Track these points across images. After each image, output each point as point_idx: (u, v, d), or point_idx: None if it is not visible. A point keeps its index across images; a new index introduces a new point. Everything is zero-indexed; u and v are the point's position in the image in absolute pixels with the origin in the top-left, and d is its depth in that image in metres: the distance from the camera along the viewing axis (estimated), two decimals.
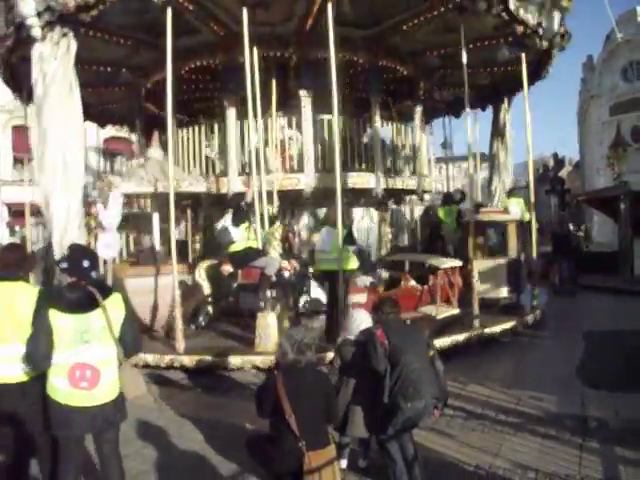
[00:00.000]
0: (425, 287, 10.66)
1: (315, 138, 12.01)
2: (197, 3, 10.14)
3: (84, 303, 3.90)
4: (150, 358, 8.41)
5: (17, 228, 18.84)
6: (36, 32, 8.99)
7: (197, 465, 5.32)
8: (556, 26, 10.69)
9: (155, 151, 11.18)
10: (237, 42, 10.42)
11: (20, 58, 10.67)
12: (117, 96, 15.04)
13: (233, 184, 11.57)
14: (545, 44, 10.81)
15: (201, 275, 10.03)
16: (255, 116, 9.89)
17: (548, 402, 6.76)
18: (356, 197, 12.85)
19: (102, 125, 18.07)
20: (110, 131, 19.65)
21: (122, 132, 19.73)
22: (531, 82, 12.63)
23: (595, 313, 12.69)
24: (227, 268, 9.22)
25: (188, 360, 8.43)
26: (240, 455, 4.90)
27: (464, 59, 10.09)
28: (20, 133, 23.15)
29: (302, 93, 11.98)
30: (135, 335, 4.15)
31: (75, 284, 4.00)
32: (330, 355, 6.88)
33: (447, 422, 6.04)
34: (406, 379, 4.37)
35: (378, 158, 12.60)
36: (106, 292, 4.01)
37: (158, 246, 10.60)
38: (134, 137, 17.41)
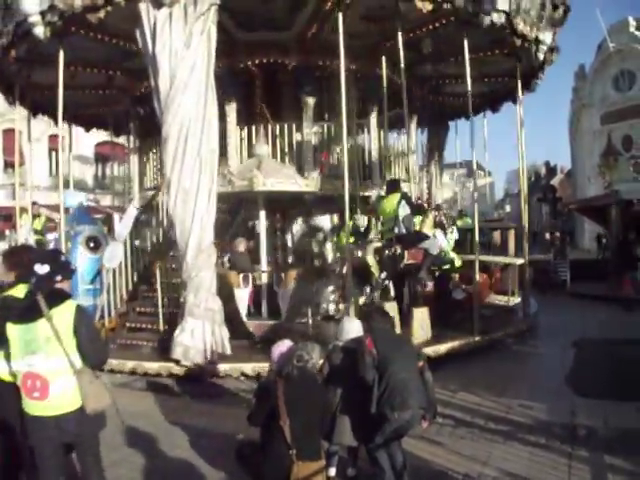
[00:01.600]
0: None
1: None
2: None
3: (29, 312, 3.77)
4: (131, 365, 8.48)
5: (7, 232, 18.69)
6: (38, 30, 8.92)
7: (186, 472, 5.29)
8: (549, 40, 10.82)
9: (261, 148, 11.21)
10: (237, 48, 10.52)
11: (14, 58, 10.58)
12: (110, 99, 15.00)
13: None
14: (541, 56, 10.94)
15: (370, 256, 10.23)
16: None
17: (538, 410, 6.75)
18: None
19: (88, 129, 17.94)
20: (101, 136, 19.57)
21: (114, 137, 19.64)
22: (521, 93, 12.74)
23: (585, 321, 12.71)
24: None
25: (177, 368, 8.38)
26: (229, 463, 4.89)
27: (467, 78, 10.27)
28: (9, 136, 23.06)
29: (305, 100, 12.05)
30: (97, 346, 3.95)
31: (28, 292, 3.89)
32: None
33: (436, 430, 6.02)
34: (394, 389, 4.35)
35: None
36: (57, 301, 3.83)
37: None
38: (127, 141, 17.41)
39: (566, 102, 48.76)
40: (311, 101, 12.10)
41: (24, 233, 12.79)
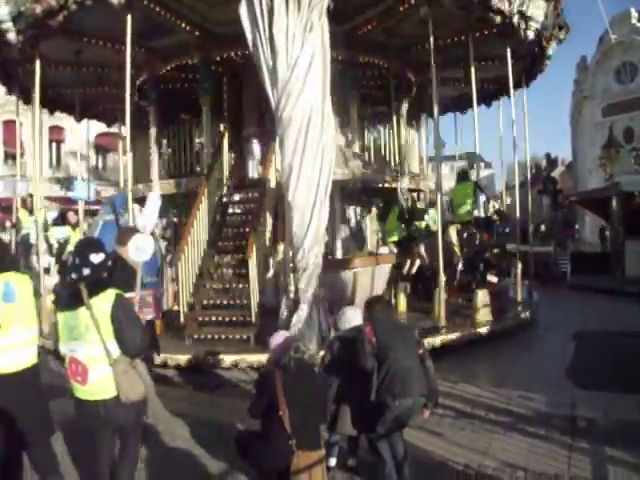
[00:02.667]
0: None
1: None
2: (162, 4, 10.10)
3: (71, 300, 3.94)
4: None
5: (7, 223, 18.65)
6: (12, 36, 9.07)
7: (186, 463, 5.30)
8: (541, 16, 10.25)
9: (339, 139, 11.10)
10: (213, 41, 10.46)
11: (4, 60, 10.71)
12: (110, 95, 14.96)
13: None
14: (531, 34, 10.28)
15: (452, 236, 10.98)
16: None
17: (538, 402, 6.76)
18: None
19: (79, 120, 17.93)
20: (101, 127, 19.51)
21: (114, 128, 19.57)
22: (527, 81, 12.56)
23: (586, 313, 12.71)
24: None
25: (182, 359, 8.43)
26: (229, 453, 4.90)
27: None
28: (10, 127, 22.96)
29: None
30: (132, 336, 3.96)
31: (70, 281, 4.03)
32: None
33: (437, 421, 6.02)
34: (393, 377, 4.36)
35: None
36: (98, 289, 3.94)
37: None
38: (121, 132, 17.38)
39: (567, 94, 48.66)
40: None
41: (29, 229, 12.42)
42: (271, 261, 10.50)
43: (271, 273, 10.34)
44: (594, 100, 34.60)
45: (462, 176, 11.22)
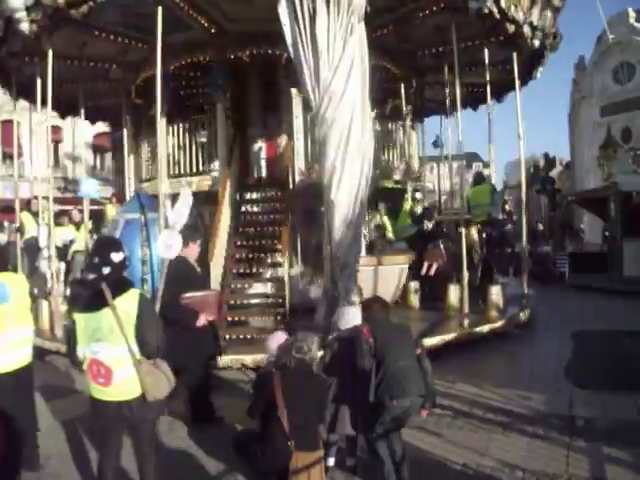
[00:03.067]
0: None
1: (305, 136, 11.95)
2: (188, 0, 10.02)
3: (94, 302, 3.90)
4: None
5: (5, 224, 18.58)
6: (24, 27, 8.95)
7: (185, 463, 5.31)
8: (548, 25, 10.64)
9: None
10: (228, 39, 10.36)
11: (9, 53, 10.59)
12: (107, 92, 14.92)
13: None
14: (537, 43, 10.71)
15: (474, 236, 11.79)
16: None
17: (536, 401, 6.77)
18: None
19: (92, 122, 17.98)
20: (99, 127, 19.47)
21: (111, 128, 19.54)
22: (522, 83, 12.67)
23: (584, 313, 12.72)
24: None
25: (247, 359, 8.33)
26: (228, 453, 4.89)
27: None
28: (8, 127, 22.92)
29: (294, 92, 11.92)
30: (154, 335, 3.98)
31: (91, 281, 4.04)
32: None
33: (435, 421, 6.03)
34: (392, 377, 4.37)
35: None
36: (121, 290, 3.95)
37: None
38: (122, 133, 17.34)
39: (565, 94, 48.71)
40: None
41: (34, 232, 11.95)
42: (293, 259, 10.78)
43: (298, 270, 10.55)
44: (592, 100, 34.60)
45: (478, 178, 12.11)
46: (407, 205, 13.16)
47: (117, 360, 3.86)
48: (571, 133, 40.34)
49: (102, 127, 19.69)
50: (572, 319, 11.96)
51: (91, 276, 4.03)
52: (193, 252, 6.70)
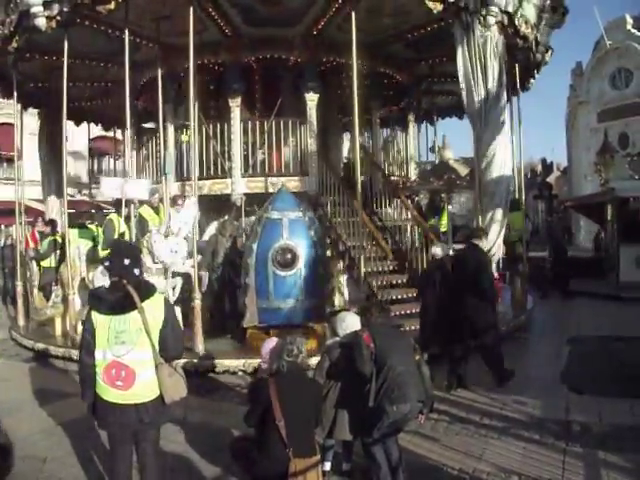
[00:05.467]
0: None
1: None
2: (215, 2, 10.12)
3: (121, 304, 3.91)
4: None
5: (2, 227, 18.56)
6: (40, 22, 8.88)
7: (181, 467, 5.29)
8: (546, 40, 10.95)
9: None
10: (242, 42, 10.74)
11: (16, 50, 10.48)
12: (107, 92, 14.92)
13: None
14: (539, 57, 11.02)
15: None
16: None
17: (532, 406, 6.78)
18: None
19: (78, 124, 17.88)
20: (97, 130, 19.42)
21: (109, 132, 19.50)
22: (514, 93, 12.79)
23: (580, 318, 12.74)
24: None
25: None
26: (225, 458, 4.90)
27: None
28: (6, 131, 22.86)
29: (308, 97, 12.02)
30: (176, 339, 4.09)
31: (116, 284, 4.01)
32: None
33: (431, 426, 6.04)
34: (392, 382, 4.38)
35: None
36: (147, 293, 4.01)
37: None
38: (124, 135, 17.30)
39: (563, 99, 48.80)
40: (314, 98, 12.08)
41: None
42: None
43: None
44: (589, 106, 34.70)
45: (514, 205, 12.35)
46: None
47: (142, 363, 3.90)
48: (568, 139, 40.46)
49: (99, 130, 19.60)
50: (568, 324, 11.97)
51: (118, 278, 4.01)
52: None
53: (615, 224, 17.31)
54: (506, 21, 9.60)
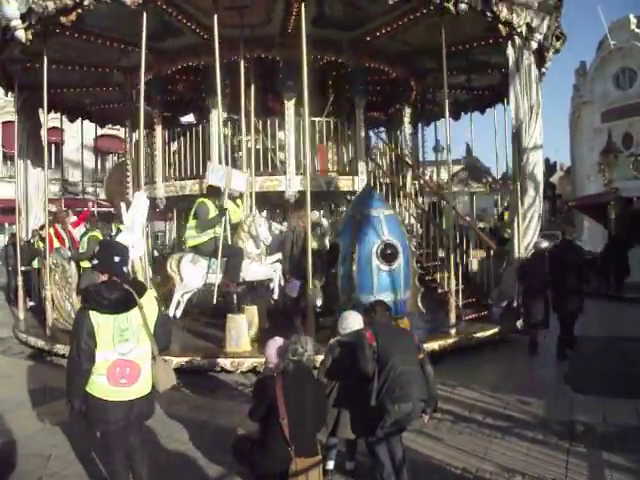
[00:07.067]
0: None
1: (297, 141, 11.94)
2: (174, 5, 10.02)
3: (123, 302, 3.98)
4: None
5: (6, 225, 18.59)
6: (20, 34, 9.12)
7: (183, 466, 5.30)
8: (545, 27, 10.58)
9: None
10: (220, 44, 10.46)
11: (9, 59, 10.71)
12: (112, 96, 14.99)
13: None
14: (534, 45, 10.65)
15: None
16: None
17: (536, 406, 6.77)
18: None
19: (102, 125, 18.23)
20: (102, 129, 19.47)
21: (114, 130, 19.53)
22: None
23: (585, 318, 12.69)
24: None
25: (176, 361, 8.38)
26: (226, 457, 4.89)
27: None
28: (10, 129, 22.92)
29: (285, 96, 11.95)
30: (166, 332, 4.29)
31: (109, 282, 4.04)
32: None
33: (435, 425, 6.02)
34: (394, 381, 4.37)
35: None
36: (141, 290, 4.13)
37: None
38: (125, 135, 17.33)
39: (566, 99, 48.69)
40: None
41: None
42: None
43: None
44: (593, 105, 34.65)
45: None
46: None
47: (144, 358, 4.04)
48: (572, 138, 40.37)
49: (105, 129, 19.63)
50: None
51: (105, 275, 4.06)
52: None
53: (619, 224, 17.29)
54: (481, 6, 9.54)
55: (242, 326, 8.68)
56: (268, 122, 12.05)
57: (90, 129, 18.23)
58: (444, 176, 19.34)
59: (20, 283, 12.19)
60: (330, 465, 4.93)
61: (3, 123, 29.32)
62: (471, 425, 6.23)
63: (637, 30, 31.98)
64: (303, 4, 8.92)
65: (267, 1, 10.03)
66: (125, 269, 4.21)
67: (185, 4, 10.05)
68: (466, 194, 16.18)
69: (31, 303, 13.35)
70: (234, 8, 9.57)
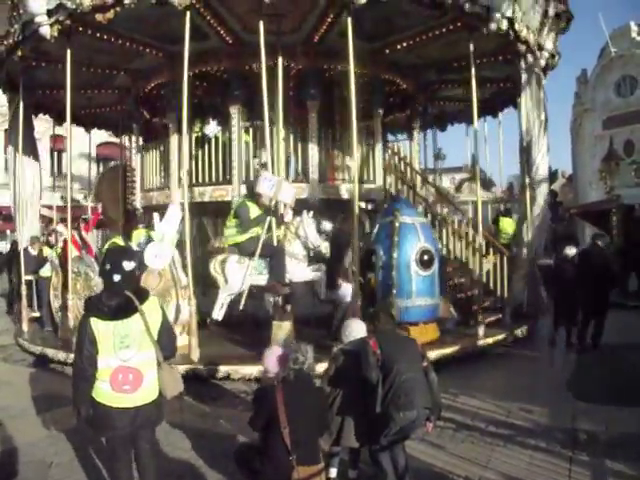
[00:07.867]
0: None
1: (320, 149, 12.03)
2: (211, 8, 9.99)
3: (124, 309, 3.98)
4: None
5: (8, 232, 18.59)
6: (45, 30, 8.93)
7: (185, 474, 5.30)
8: (551, 45, 10.96)
9: None
10: (243, 50, 10.65)
11: (20, 58, 10.50)
12: (110, 99, 14.96)
13: None
14: (543, 63, 11.07)
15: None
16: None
17: (538, 414, 6.75)
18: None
19: (88, 129, 17.82)
20: (103, 136, 19.50)
21: (115, 138, 19.55)
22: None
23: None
24: None
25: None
26: (228, 465, 4.89)
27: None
28: None
29: (309, 104, 12.01)
30: (170, 338, 4.27)
31: (110, 289, 4.06)
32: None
33: (437, 433, 6.00)
34: (398, 389, 4.36)
35: None
36: (143, 297, 4.11)
37: None
38: (128, 142, 17.34)
39: (568, 107, 48.72)
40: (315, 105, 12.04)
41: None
42: None
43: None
44: (594, 113, 34.70)
45: (507, 212, 14.60)
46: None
47: (147, 364, 4.01)
48: (573, 146, 40.35)
49: (105, 136, 19.64)
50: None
51: (101, 283, 4.13)
52: None
53: (621, 232, 17.26)
54: (507, 26, 9.62)
55: (290, 333, 8.58)
56: (290, 130, 11.88)
57: (92, 137, 18.22)
58: (445, 183, 19.42)
59: (24, 292, 11.98)
60: (333, 473, 4.92)
61: (5, 131, 29.34)
62: (473, 433, 6.22)
63: (638, 38, 32.08)
64: (349, 18, 8.87)
65: (304, 10, 10.12)
66: (117, 277, 4.03)
67: (221, 7, 10.05)
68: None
69: (35, 314, 12.73)
70: (275, 15, 9.53)
